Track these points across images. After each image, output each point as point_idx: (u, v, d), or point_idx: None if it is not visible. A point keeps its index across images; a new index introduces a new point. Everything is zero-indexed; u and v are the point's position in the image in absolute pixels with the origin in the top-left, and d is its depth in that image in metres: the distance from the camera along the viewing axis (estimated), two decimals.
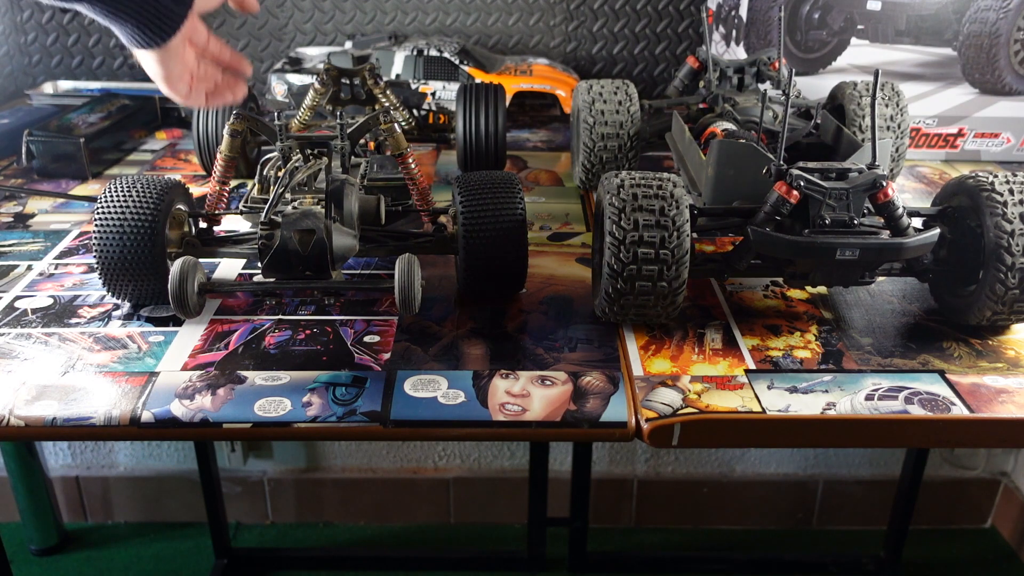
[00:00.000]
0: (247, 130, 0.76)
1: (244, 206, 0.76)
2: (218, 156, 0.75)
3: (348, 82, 0.97)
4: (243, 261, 0.80)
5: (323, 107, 0.91)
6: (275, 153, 0.74)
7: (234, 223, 0.88)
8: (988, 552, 1.76)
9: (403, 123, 1.02)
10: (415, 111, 1.22)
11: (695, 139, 0.83)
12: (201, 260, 0.77)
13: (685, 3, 1.36)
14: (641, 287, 0.64)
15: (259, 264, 0.63)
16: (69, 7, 0.64)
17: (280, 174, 0.71)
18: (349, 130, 0.70)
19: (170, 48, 0.69)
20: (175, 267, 0.62)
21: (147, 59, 0.71)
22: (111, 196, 0.68)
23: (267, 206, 0.63)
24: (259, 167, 0.78)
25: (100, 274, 0.68)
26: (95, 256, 0.68)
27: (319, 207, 0.64)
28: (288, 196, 0.68)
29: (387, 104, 1.00)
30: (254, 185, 0.78)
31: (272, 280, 0.64)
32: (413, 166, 0.74)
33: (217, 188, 0.76)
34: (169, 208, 0.70)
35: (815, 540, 1.78)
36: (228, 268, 0.80)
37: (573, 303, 0.74)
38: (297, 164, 0.69)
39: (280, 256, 0.61)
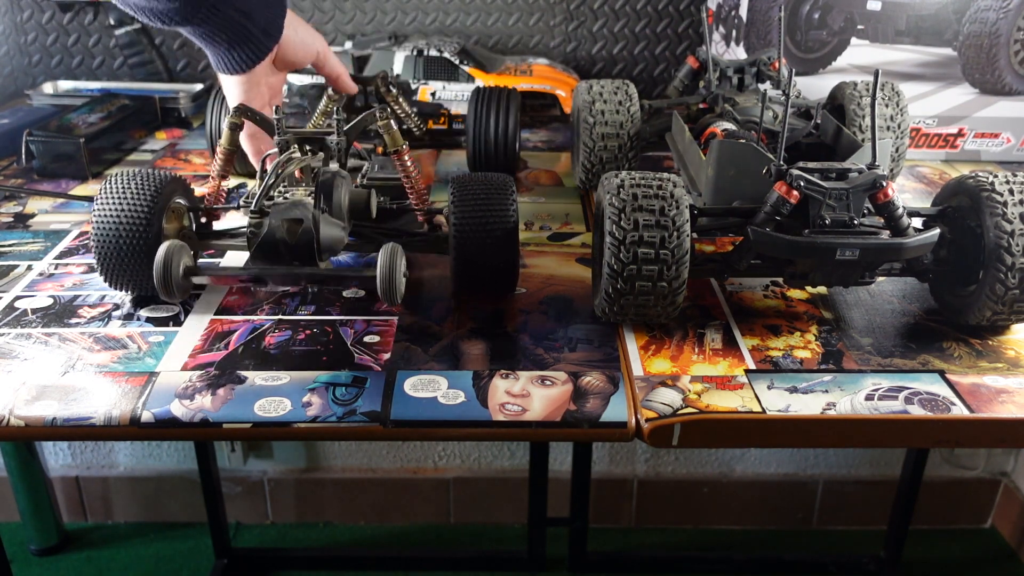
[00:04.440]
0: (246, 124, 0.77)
1: (245, 201, 0.77)
2: (218, 150, 0.76)
3: (362, 88, 0.98)
4: (245, 255, 0.80)
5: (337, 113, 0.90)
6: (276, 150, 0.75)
7: (234, 220, 0.88)
8: (988, 552, 1.76)
9: (415, 129, 1.03)
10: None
11: (695, 139, 0.83)
12: (201, 256, 0.78)
13: (685, 3, 1.36)
14: (641, 287, 0.64)
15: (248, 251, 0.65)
16: (170, 29, 0.72)
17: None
18: (346, 127, 0.71)
19: (253, 76, 0.77)
20: (160, 250, 0.62)
21: (230, 84, 0.80)
22: (111, 188, 0.69)
23: (257, 195, 0.63)
24: (261, 163, 0.79)
25: (98, 264, 0.70)
26: (93, 246, 0.69)
27: (309, 198, 0.66)
28: (280, 187, 0.69)
29: (400, 113, 1.00)
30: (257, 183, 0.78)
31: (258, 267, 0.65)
32: (409, 163, 0.74)
33: (217, 183, 0.77)
34: (168, 200, 0.70)
35: (815, 540, 1.78)
36: (231, 261, 0.81)
37: (573, 303, 0.74)
38: (292, 156, 0.70)
39: (268, 244, 0.63)
